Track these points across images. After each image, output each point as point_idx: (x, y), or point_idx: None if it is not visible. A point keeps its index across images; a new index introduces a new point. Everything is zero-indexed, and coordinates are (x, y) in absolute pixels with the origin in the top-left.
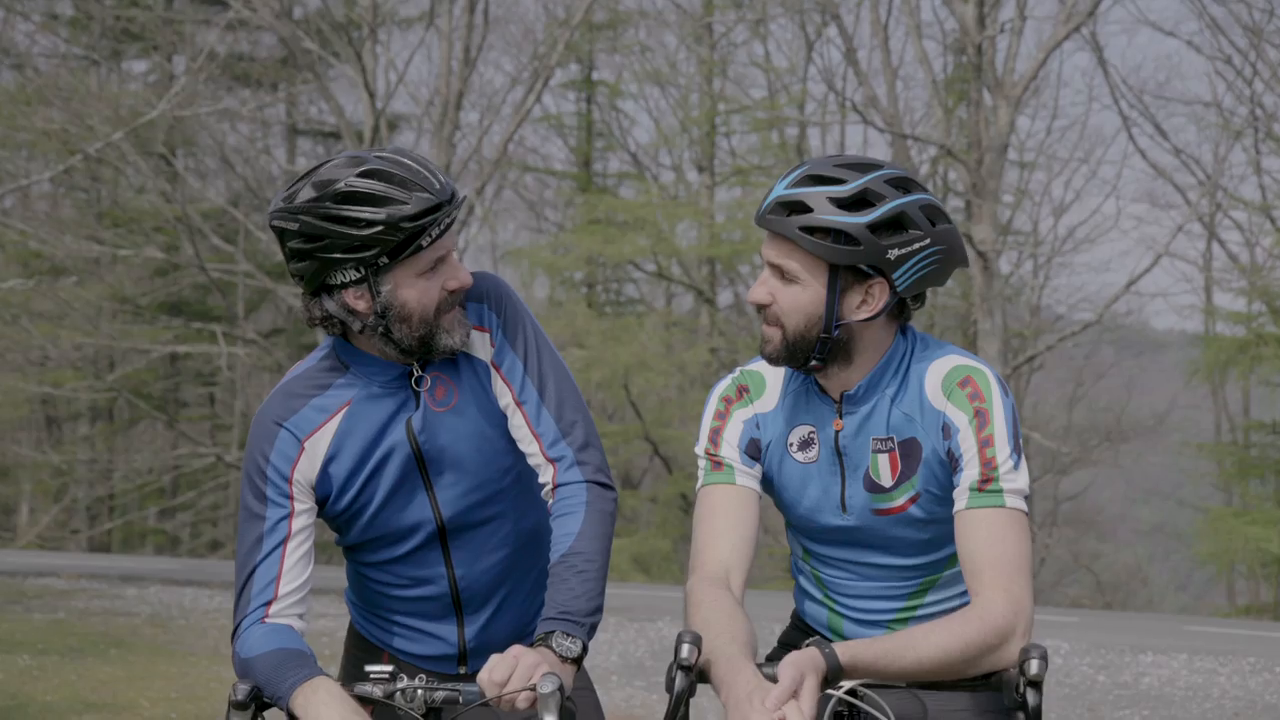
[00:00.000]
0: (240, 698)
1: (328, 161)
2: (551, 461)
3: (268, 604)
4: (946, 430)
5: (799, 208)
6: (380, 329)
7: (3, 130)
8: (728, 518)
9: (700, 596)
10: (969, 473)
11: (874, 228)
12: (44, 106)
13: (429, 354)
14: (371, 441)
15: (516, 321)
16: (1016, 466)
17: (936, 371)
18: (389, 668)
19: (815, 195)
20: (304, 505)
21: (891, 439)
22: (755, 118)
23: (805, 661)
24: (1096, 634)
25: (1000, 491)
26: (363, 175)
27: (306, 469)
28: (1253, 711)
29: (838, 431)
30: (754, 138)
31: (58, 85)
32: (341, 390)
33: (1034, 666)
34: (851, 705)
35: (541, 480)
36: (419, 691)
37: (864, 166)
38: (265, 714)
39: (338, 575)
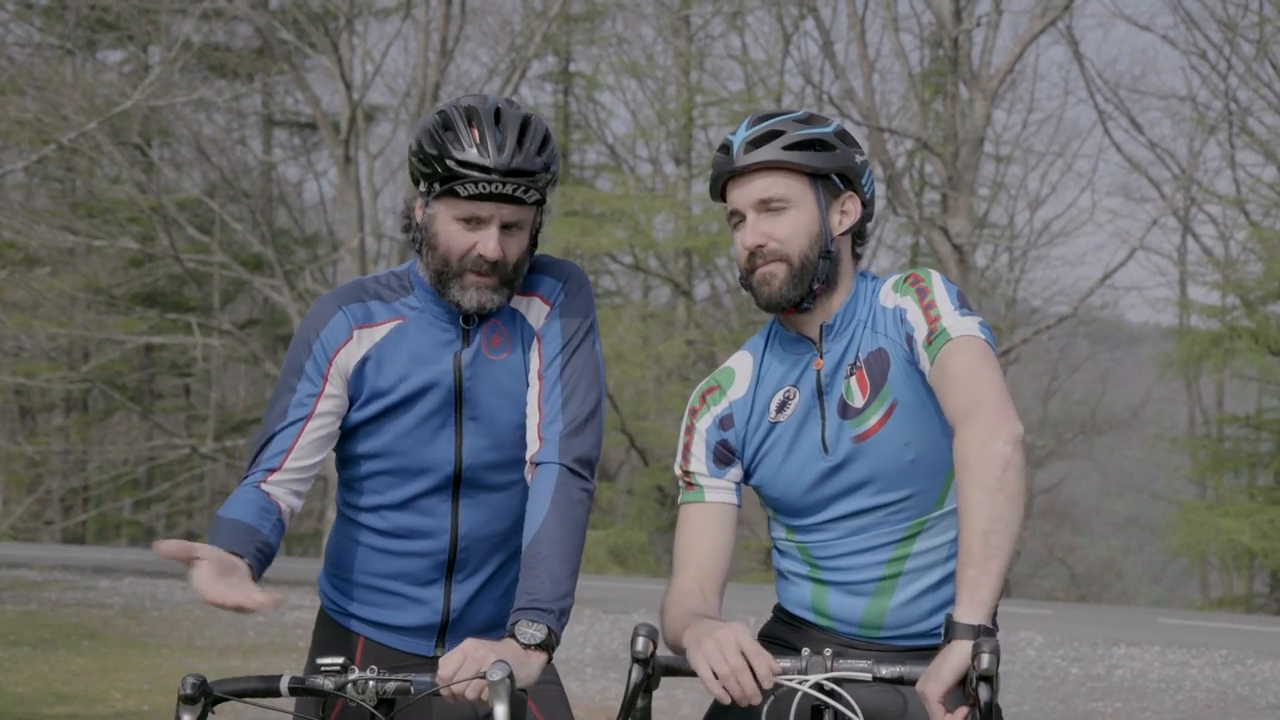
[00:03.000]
0: (188, 691)
1: (473, 96)
2: (541, 438)
3: (273, 470)
4: (901, 318)
5: (773, 135)
6: (417, 244)
7: None
8: (698, 537)
9: (669, 602)
10: (919, 336)
11: (838, 135)
12: (18, 96)
13: (442, 293)
14: (416, 362)
15: (577, 309)
16: (964, 315)
17: (889, 283)
18: (339, 659)
19: (780, 122)
20: (335, 390)
21: (857, 358)
22: (732, 110)
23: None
24: (1070, 626)
25: (944, 330)
26: (465, 112)
27: (350, 356)
28: (1224, 704)
29: (819, 372)
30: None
31: (32, 75)
32: (401, 306)
33: (984, 661)
34: (824, 702)
35: (527, 455)
36: (370, 683)
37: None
38: (216, 709)
39: (316, 567)
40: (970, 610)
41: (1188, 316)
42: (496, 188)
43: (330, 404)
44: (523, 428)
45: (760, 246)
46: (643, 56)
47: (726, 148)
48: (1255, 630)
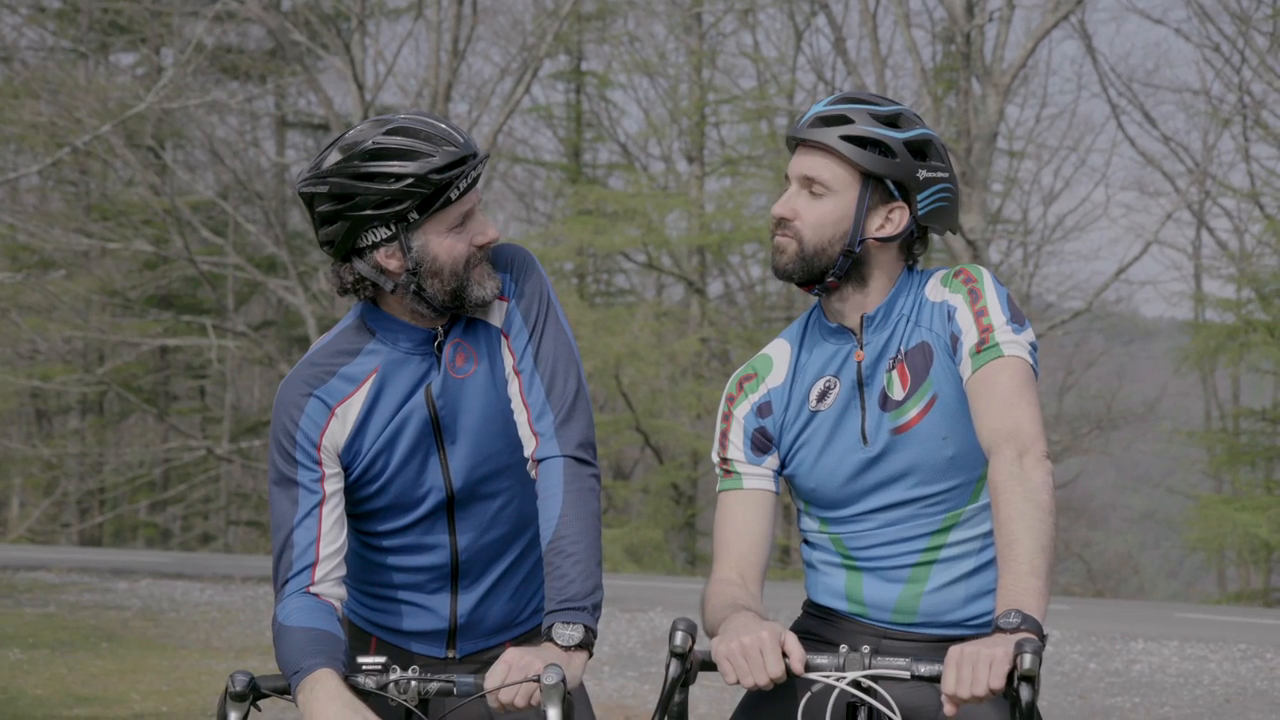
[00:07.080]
0: (239, 689)
1: (352, 129)
2: (535, 434)
3: (311, 567)
4: (949, 315)
5: (840, 120)
6: (413, 287)
7: None
8: (737, 524)
9: (710, 593)
10: (968, 341)
11: (908, 146)
12: (32, 99)
13: (461, 308)
14: (396, 407)
15: (533, 293)
16: (1016, 331)
17: (936, 277)
18: (381, 659)
19: (856, 110)
20: (334, 470)
21: (899, 351)
22: (745, 108)
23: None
24: (1087, 621)
25: (996, 345)
26: (389, 133)
27: (335, 435)
28: (1243, 697)
29: (860, 363)
30: (744, 128)
31: (45, 78)
32: (369, 357)
33: (1026, 661)
34: (861, 699)
35: (525, 453)
36: (412, 683)
37: (893, 100)
38: (260, 704)
39: None
40: (1037, 611)
41: (1203, 310)
42: (478, 171)
43: (334, 484)
44: (505, 436)
45: (785, 219)
46: (655, 54)
47: (806, 111)
48: (1274, 624)
